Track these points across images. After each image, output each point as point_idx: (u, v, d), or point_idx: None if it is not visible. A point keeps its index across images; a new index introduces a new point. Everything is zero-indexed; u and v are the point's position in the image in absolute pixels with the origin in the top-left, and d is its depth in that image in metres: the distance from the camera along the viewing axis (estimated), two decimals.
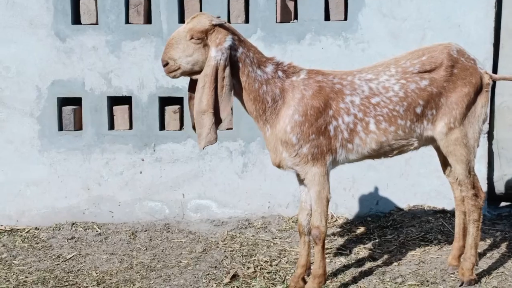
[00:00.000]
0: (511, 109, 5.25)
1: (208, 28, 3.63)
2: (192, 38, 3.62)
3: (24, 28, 5.24)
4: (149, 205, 5.35)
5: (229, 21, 5.15)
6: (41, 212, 5.35)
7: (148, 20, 5.31)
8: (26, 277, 4.37)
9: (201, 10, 5.23)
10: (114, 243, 4.94)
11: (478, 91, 3.92)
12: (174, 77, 3.72)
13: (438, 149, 4.10)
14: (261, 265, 4.43)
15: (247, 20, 5.19)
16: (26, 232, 5.17)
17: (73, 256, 4.72)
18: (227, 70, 3.65)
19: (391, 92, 3.84)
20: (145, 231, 5.12)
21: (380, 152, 3.90)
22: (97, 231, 5.15)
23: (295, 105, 3.73)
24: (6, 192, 5.34)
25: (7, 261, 4.66)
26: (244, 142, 5.29)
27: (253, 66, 3.71)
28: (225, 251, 4.70)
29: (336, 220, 5.19)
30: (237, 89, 3.75)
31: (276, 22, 5.20)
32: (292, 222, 5.16)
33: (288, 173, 4.11)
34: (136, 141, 5.33)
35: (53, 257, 4.71)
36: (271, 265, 4.43)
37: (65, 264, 4.59)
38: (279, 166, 3.88)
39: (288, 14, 5.23)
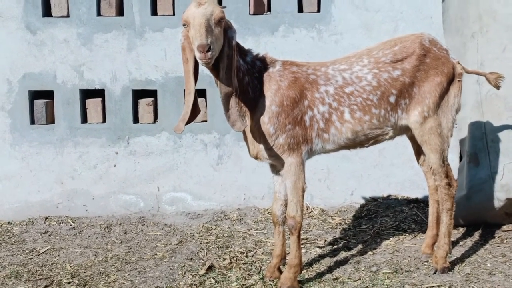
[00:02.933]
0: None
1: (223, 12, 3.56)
2: (220, 21, 3.48)
3: None
4: (123, 199, 5.32)
5: None
6: (13, 206, 5.28)
7: (120, 12, 5.27)
8: None
9: (173, 2, 5.21)
10: (89, 236, 4.90)
11: (450, 80, 3.97)
12: (209, 64, 3.46)
13: (412, 139, 4.15)
14: (237, 256, 4.43)
15: None
16: None
17: (46, 250, 4.67)
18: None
19: (364, 81, 3.87)
20: (120, 224, 5.09)
21: (356, 142, 3.93)
22: (71, 225, 5.10)
23: (271, 96, 3.73)
24: None
25: None
26: (219, 134, 5.28)
27: (237, 55, 3.68)
28: (200, 243, 4.69)
29: (312, 211, 5.21)
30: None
31: (250, 14, 5.20)
32: (268, 213, 5.17)
33: (263, 165, 4.12)
34: (109, 134, 5.29)
35: (27, 251, 4.66)
36: (247, 256, 4.43)
37: (39, 258, 4.54)
38: (256, 158, 3.88)
39: (261, 6, 5.23)
